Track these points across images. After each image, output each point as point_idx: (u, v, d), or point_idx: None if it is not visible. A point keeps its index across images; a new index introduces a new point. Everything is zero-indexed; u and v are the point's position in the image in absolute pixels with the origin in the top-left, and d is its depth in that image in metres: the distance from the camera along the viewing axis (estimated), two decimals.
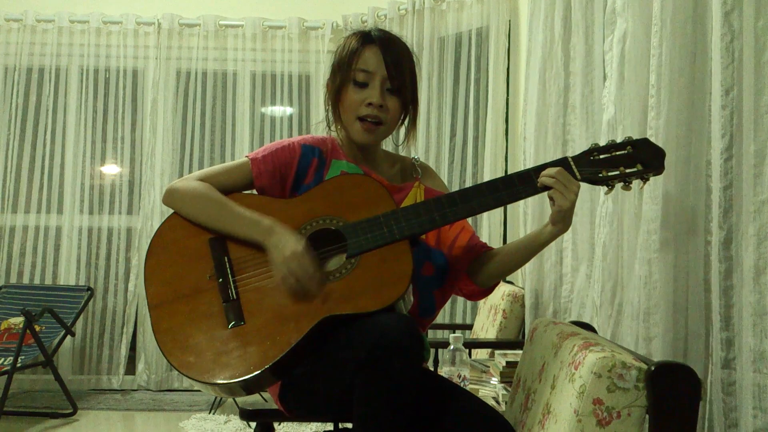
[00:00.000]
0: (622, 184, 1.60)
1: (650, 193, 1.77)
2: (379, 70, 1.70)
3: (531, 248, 1.69)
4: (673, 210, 1.73)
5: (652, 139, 1.73)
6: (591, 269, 2.38)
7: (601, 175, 1.59)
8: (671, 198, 1.73)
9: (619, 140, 1.63)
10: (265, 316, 1.54)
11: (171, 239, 1.67)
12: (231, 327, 1.54)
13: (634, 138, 1.62)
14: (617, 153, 1.60)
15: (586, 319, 2.26)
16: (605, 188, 1.63)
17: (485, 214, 3.84)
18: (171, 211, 1.73)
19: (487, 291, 1.79)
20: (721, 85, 1.50)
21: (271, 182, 1.72)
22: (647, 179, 1.60)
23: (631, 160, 1.59)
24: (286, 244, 1.56)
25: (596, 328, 2.04)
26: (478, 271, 1.75)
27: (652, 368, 1.22)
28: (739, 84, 1.48)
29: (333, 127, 1.81)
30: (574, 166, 1.61)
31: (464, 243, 1.78)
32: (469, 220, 1.81)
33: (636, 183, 1.61)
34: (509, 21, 3.91)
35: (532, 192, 1.61)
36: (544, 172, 1.59)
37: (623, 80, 1.93)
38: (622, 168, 1.59)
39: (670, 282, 1.72)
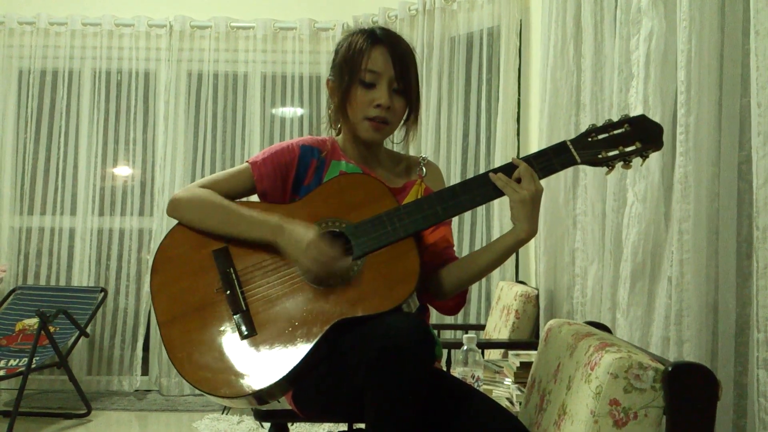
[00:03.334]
0: (622, 163, 1.59)
1: (681, 192, 1.75)
2: (386, 71, 1.70)
3: (492, 252, 1.65)
4: (705, 209, 1.71)
5: (683, 137, 1.71)
6: (602, 270, 2.36)
7: (600, 156, 1.58)
8: (702, 197, 1.71)
9: (616, 119, 1.61)
10: (276, 326, 1.53)
11: (174, 254, 1.66)
12: (243, 339, 1.53)
13: (631, 116, 1.61)
14: (615, 132, 1.58)
15: (602, 320, 2.25)
16: (606, 169, 1.61)
17: (495, 217, 3.83)
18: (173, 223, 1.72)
19: (447, 307, 1.76)
20: (757, 82, 1.48)
21: (272, 185, 1.72)
22: (647, 156, 1.58)
23: (629, 138, 1.57)
24: (299, 237, 1.56)
25: (622, 330, 2.03)
26: (434, 278, 1.71)
27: (669, 369, 1.21)
28: None
29: (334, 126, 1.81)
30: (573, 149, 1.59)
31: (438, 250, 1.76)
32: (485, 216, 1.79)
33: (636, 161, 1.59)
34: (520, 21, 3.90)
35: None
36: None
37: (650, 79, 1.92)
38: (621, 147, 1.57)
39: (703, 283, 1.70)
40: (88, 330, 4.32)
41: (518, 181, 1.58)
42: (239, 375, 1.49)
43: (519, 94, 3.89)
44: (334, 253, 1.55)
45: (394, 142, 1.92)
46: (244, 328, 1.54)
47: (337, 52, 1.78)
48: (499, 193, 1.60)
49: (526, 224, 1.57)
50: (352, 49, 1.73)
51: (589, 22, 2.49)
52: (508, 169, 1.61)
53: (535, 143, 3.52)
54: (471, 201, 1.61)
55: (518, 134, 3.88)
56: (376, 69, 1.70)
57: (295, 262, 1.57)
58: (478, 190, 1.61)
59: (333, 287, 1.55)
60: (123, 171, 4.93)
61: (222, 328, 1.55)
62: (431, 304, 1.80)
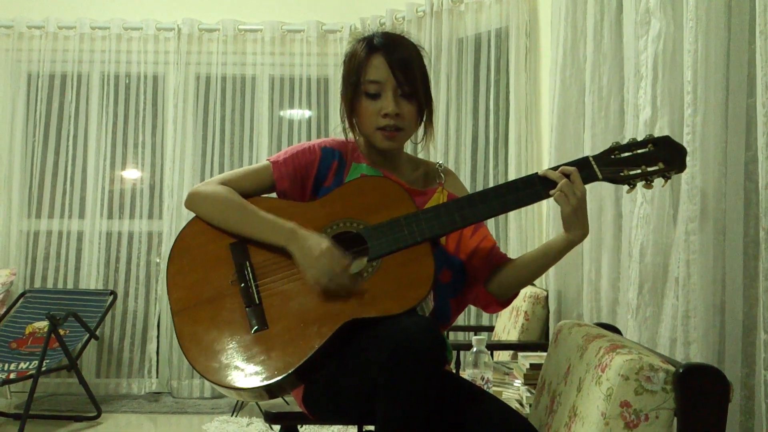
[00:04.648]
0: (643, 182, 1.59)
1: (688, 192, 1.75)
2: (388, 79, 1.69)
3: (548, 256, 1.68)
4: (712, 210, 1.71)
5: (689, 137, 1.71)
6: (612, 271, 2.36)
7: (622, 174, 1.58)
8: (709, 198, 1.71)
9: (640, 138, 1.62)
10: (288, 321, 1.54)
11: (192, 245, 1.68)
12: (254, 332, 1.54)
13: (656, 136, 1.61)
14: (638, 151, 1.59)
15: (612, 322, 2.24)
16: (627, 187, 1.61)
17: (512, 222, 3.82)
18: (192, 214, 1.73)
19: (504, 303, 1.78)
20: (762, 82, 1.48)
21: (292, 185, 1.73)
22: (669, 177, 1.59)
23: (652, 158, 1.57)
24: (312, 246, 1.56)
25: (631, 331, 2.02)
26: (495, 281, 1.74)
27: (680, 370, 1.21)
28: None
29: (350, 135, 1.81)
30: (595, 166, 1.59)
31: (485, 252, 1.77)
32: (493, 223, 1.79)
33: (658, 181, 1.60)
34: (528, 21, 3.89)
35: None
36: (559, 170, 1.59)
37: (658, 80, 1.91)
38: (643, 166, 1.57)
39: (709, 284, 1.69)
40: (97, 333, 4.33)
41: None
42: (248, 367, 1.50)
43: (528, 95, 3.87)
44: (345, 265, 1.56)
45: (415, 143, 1.91)
46: (255, 321, 1.55)
47: (343, 63, 1.78)
48: (519, 205, 1.61)
49: (580, 228, 1.59)
50: (352, 61, 1.73)
51: (598, 22, 2.49)
52: (529, 180, 1.61)
53: (546, 143, 3.51)
54: (489, 211, 1.62)
55: (528, 135, 3.86)
56: (377, 79, 1.69)
57: (305, 271, 1.58)
58: (496, 201, 1.61)
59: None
60: (132, 174, 4.94)
61: (234, 320, 1.56)
62: (476, 304, 1.81)
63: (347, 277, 1.55)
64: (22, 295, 4.59)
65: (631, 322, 2.04)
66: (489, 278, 1.75)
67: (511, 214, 3.77)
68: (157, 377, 4.78)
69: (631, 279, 2.06)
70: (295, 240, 1.59)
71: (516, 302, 3.24)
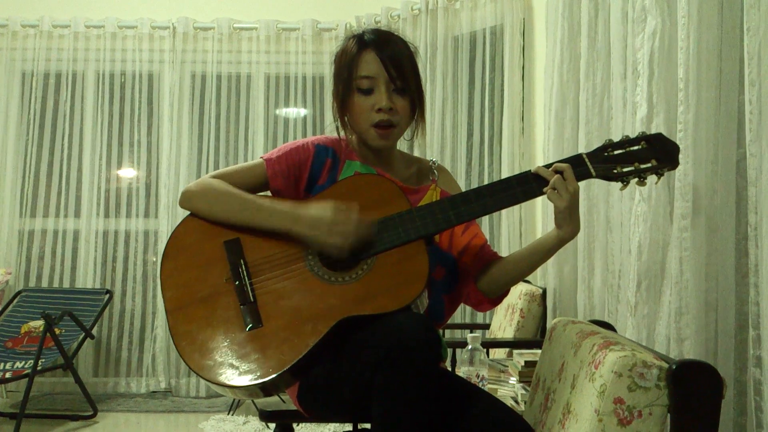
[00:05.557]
0: (636, 179, 1.59)
1: (680, 189, 1.75)
2: (380, 74, 1.69)
3: (538, 254, 1.68)
4: (704, 207, 1.71)
5: (681, 135, 1.72)
6: (608, 269, 2.36)
7: (615, 171, 1.59)
8: (701, 195, 1.71)
9: (633, 135, 1.62)
10: (282, 319, 1.54)
11: (186, 243, 1.67)
12: (249, 330, 1.54)
13: (648, 133, 1.61)
14: (631, 148, 1.59)
15: (607, 319, 2.24)
16: (620, 184, 1.61)
17: (504, 219, 3.82)
18: (187, 213, 1.73)
19: (494, 301, 1.78)
20: (748, 78, 1.49)
21: (285, 183, 1.72)
22: (662, 174, 1.59)
23: (645, 156, 1.58)
24: (319, 216, 1.57)
25: (630, 329, 2.03)
26: (486, 278, 1.74)
27: (674, 367, 1.21)
28: (761, 78, 1.47)
29: (343, 133, 1.81)
30: (588, 163, 1.60)
31: (476, 250, 1.77)
32: (487, 222, 1.79)
33: (651, 178, 1.60)
34: (523, 19, 3.89)
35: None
36: (552, 168, 1.59)
37: (653, 77, 1.92)
38: (636, 163, 1.58)
39: (702, 281, 1.70)
40: (94, 332, 4.33)
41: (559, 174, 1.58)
42: (243, 365, 1.49)
43: (523, 93, 3.88)
44: (356, 217, 1.57)
45: (407, 139, 1.91)
46: (250, 319, 1.55)
47: (333, 61, 1.78)
48: (513, 202, 1.62)
49: (572, 225, 1.60)
50: (343, 58, 1.73)
51: (592, 19, 2.49)
52: (522, 178, 1.61)
53: (540, 141, 3.52)
54: (483, 208, 1.62)
55: (522, 132, 3.87)
56: (370, 74, 1.69)
57: (321, 246, 1.58)
58: (491, 198, 1.62)
59: (344, 283, 1.56)
60: (127, 173, 4.94)
61: (228, 318, 1.56)
62: (467, 302, 1.81)
63: (368, 227, 1.57)
64: (17, 294, 4.58)
65: (630, 320, 2.05)
66: (479, 276, 1.75)
67: (504, 213, 3.77)
68: (154, 376, 4.78)
69: (630, 277, 2.07)
70: (300, 221, 1.59)
71: (512, 300, 3.24)
